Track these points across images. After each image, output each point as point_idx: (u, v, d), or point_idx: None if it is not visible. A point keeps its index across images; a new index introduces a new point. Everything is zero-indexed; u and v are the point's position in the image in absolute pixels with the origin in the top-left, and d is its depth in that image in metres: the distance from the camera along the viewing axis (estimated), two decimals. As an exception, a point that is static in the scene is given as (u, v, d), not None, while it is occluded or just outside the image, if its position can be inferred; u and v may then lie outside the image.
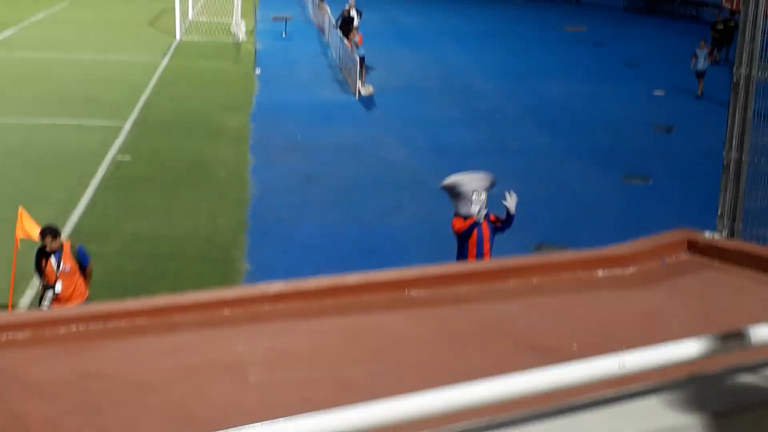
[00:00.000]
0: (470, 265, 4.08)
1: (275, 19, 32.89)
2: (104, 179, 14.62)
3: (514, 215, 8.74)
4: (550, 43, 33.11)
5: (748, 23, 4.54)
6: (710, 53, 23.28)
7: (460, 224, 8.58)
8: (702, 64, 23.42)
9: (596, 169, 17.00)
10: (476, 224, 8.50)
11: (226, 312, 3.58)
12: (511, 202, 8.64)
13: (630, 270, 4.18)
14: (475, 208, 8.38)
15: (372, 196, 14.88)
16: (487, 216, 8.59)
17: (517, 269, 4.04)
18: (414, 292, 3.85)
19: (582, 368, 1.83)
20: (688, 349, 1.96)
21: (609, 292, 4.01)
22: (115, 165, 15.42)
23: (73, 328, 3.23)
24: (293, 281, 3.86)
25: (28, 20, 31.72)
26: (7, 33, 28.83)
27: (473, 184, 8.35)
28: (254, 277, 11.24)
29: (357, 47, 23.76)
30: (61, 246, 8.99)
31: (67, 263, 8.97)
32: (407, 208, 14.34)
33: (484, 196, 8.39)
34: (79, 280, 9.09)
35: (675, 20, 40.40)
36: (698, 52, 23.50)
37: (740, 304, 3.87)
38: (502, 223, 8.68)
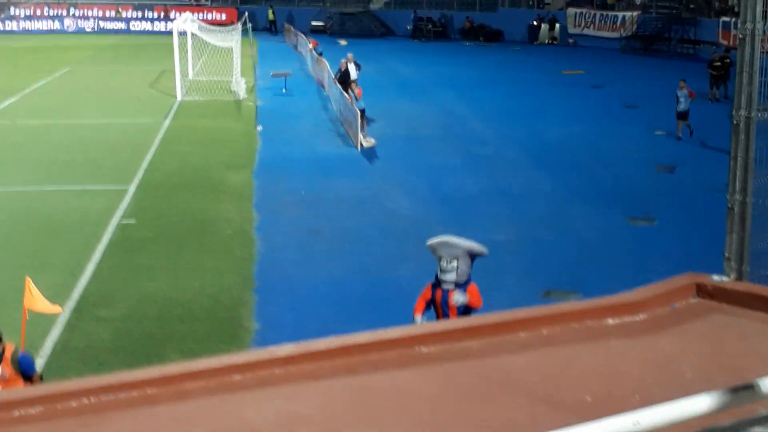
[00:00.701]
0: (479, 318, 4.08)
1: (275, 75, 33.20)
2: (110, 243, 14.65)
3: (463, 306, 8.28)
4: (549, 87, 33.34)
5: (745, 65, 4.57)
6: (690, 94, 23.19)
7: (428, 286, 8.52)
8: (683, 104, 23.33)
9: (600, 211, 17.01)
10: (436, 287, 8.21)
11: (236, 377, 3.57)
12: (459, 297, 8.26)
13: (640, 317, 4.17)
14: (441, 273, 8.23)
15: (377, 246, 14.90)
16: (463, 286, 8.23)
17: (526, 321, 4.03)
18: (424, 349, 3.85)
19: (597, 428, 1.83)
20: (701, 404, 1.95)
21: (619, 340, 4.00)
22: (121, 228, 15.46)
23: (85, 400, 3.23)
24: (302, 343, 3.86)
25: (29, 88, 32.02)
26: (9, 101, 29.10)
27: (441, 250, 8.24)
28: (263, 335, 11.22)
29: (357, 100, 23.94)
30: (3, 350, 7.92)
31: (6, 369, 7.84)
32: (412, 258, 14.33)
33: (455, 263, 8.14)
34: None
35: (672, 59, 40.68)
36: (678, 92, 23.43)
37: (751, 347, 3.85)
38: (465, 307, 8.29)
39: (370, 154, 22.29)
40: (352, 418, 3.16)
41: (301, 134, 24.63)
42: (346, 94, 25.18)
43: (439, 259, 8.14)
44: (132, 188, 18.23)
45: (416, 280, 13.26)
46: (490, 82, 34.66)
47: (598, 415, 1.96)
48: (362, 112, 23.34)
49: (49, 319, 11.06)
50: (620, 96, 30.47)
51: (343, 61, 27.89)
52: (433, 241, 8.27)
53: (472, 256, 8.14)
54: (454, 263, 8.04)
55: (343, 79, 26.60)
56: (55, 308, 9.30)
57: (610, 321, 4.09)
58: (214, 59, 32.84)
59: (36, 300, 9.06)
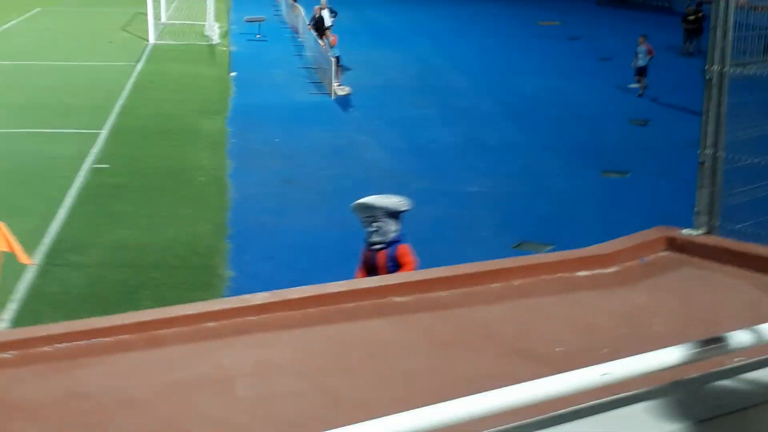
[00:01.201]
0: (452, 269, 4.12)
1: (249, 20, 32.83)
2: (82, 188, 14.55)
3: (392, 264, 7.82)
4: (525, 39, 33.22)
5: (719, 20, 4.58)
6: (649, 51, 23.24)
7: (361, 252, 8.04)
8: (642, 60, 23.39)
9: (574, 164, 17.08)
10: (366, 251, 7.86)
11: (211, 324, 3.60)
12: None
13: (611, 269, 4.23)
14: (366, 236, 7.92)
15: (352, 197, 14.81)
16: (392, 245, 7.78)
17: (499, 272, 4.08)
18: (397, 299, 3.88)
19: (565, 379, 1.87)
20: (669, 356, 2.00)
21: (591, 292, 4.06)
22: (93, 173, 15.36)
23: (59, 346, 3.24)
24: (276, 291, 3.88)
25: (-1, 29, 31.53)
26: (-21, 42, 28.64)
27: (359, 212, 7.81)
28: (237, 282, 11.24)
29: (331, 47, 23.76)
30: None
31: None
32: (387, 209, 14.36)
33: (377, 225, 7.64)
34: None
35: (647, 12, 40.62)
36: (638, 48, 23.48)
37: (720, 301, 3.92)
38: (395, 262, 7.84)
39: (344, 102, 22.19)
40: (327, 367, 3.20)
41: (275, 81, 24.45)
42: (320, 42, 24.98)
43: (361, 222, 7.87)
44: (104, 132, 18.07)
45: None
46: (466, 33, 34.48)
47: (569, 367, 1.99)
48: (337, 59, 23.18)
49: (22, 265, 11.01)
50: (595, 49, 30.43)
51: (316, 7, 27.61)
52: (352, 204, 7.99)
53: (394, 213, 7.73)
54: (375, 225, 7.69)
55: (318, 26, 26.37)
56: (26, 259, 9.23)
57: (582, 273, 4.15)
58: (187, 3, 32.43)
59: (12, 244, 9.01)
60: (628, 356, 2.01)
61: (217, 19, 32.09)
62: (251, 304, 3.71)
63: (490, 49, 30.84)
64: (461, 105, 22.17)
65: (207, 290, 10.93)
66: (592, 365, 1.97)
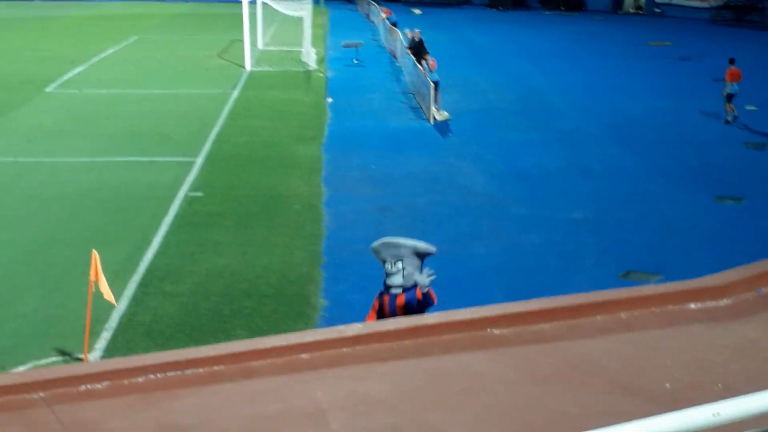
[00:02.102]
0: (554, 300, 4.06)
1: (346, 46, 33.27)
2: (177, 217, 14.90)
3: (425, 294, 7.58)
4: (633, 59, 32.81)
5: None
6: (735, 76, 22.44)
7: (376, 297, 7.81)
8: (730, 87, 22.59)
9: (685, 190, 16.74)
10: (383, 295, 7.60)
11: (304, 356, 3.63)
12: (422, 277, 7.56)
13: (724, 302, 4.11)
14: (386, 278, 7.69)
15: (450, 225, 14.89)
16: (412, 290, 7.54)
17: (604, 304, 4.01)
18: (496, 331, 3.85)
19: (674, 419, 1.82)
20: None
21: (702, 325, 3.95)
22: (188, 202, 15.71)
23: (152, 376, 3.31)
24: (370, 323, 3.90)
25: (97, 57, 32.60)
26: (77, 70, 29.67)
27: (383, 251, 7.52)
28: (331, 312, 11.32)
29: (430, 72, 23.87)
30: None
31: None
32: (486, 237, 14.31)
33: (400, 265, 7.43)
34: None
35: (766, 31, 39.66)
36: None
37: None
38: (418, 302, 7.59)
39: (443, 128, 22.23)
40: (423, 402, 3.19)
41: (372, 107, 24.67)
42: (419, 66, 25.13)
43: (383, 262, 7.52)
44: (200, 160, 18.49)
45: (490, 260, 13.28)
46: (570, 54, 34.24)
47: (678, 405, 1.95)
48: (436, 84, 23.27)
49: (116, 293, 11.32)
50: (709, 69, 29.84)
51: (415, 30, 27.83)
52: (375, 243, 7.80)
53: (419, 255, 7.55)
54: (399, 265, 7.45)
55: (417, 50, 26.55)
56: (111, 298, 9.38)
57: (693, 305, 4.05)
58: (284, 29, 33.02)
59: (100, 278, 9.24)
60: (741, 395, 1.95)
61: (314, 44, 32.61)
62: (345, 335, 3.73)
63: (595, 70, 30.55)
64: (564, 128, 21.99)
65: (300, 320, 11.04)
66: (703, 404, 1.92)
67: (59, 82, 27.58)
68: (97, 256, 9.21)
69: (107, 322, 10.84)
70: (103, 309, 10.67)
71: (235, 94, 26.03)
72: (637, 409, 2.15)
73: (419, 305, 7.52)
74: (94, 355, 9.98)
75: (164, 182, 16.81)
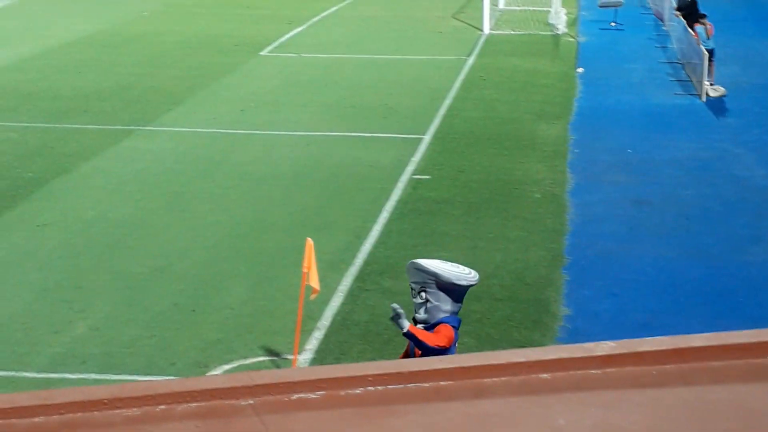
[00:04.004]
0: None
1: (603, 5, 32.77)
2: (400, 202, 15.16)
3: (407, 334, 7.12)
4: None
5: None
6: None
7: None
8: None
9: None
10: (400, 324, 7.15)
11: (544, 376, 3.61)
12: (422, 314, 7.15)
13: None
14: (414, 310, 7.18)
15: (721, 224, 14.44)
16: (431, 327, 7.14)
17: None
18: (780, 361, 3.70)
19: None
20: None
21: None
22: (412, 185, 15.97)
23: (371, 389, 3.40)
24: (625, 341, 3.84)
25: (317, 17, 33.62)
26: (295, 31, 30.72)
27: (408, 276, 7.17)
28: (573, 322, 11.24)
29: (706, 39, 23.16)
30: None
31: None
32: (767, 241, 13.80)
33: (424, 296, 7.03)
34: None
35: None
36: None
37: None
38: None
39: (717, 106, 21.55)
40: (685, 440, 3.12)
41: (631, 79, 24.23)
42: (690, 31, 24.42)
43: (410, 289, 7.17)
44: (427, 138, 18.74)
45: (770, 269, 12.79)
46: None
47: None
48: (711, 53, 22.56)
49: (330, 287, 11.68)
50: None
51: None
52: (408, 263, 7.26)
53: (448, 288, 7.05)
54: (423, 296, 7.02)
55: (689, 11, 25.79)
56: (316, 287, 9.61)
57: None
58: (529, -14, 32.94)
59: (312, 269, 9.52)
60: None
61: (565, 4, 32.33)
62: (594, 354, 3.68)
63: None
64: None
65: (536, 330, 11.03)
66: None
67: (275, 44, 28.66)
68: (312, 246, 9.52)
69: (320, 320, 11.20)
70: (316, 305, 11.02)
71: (470, 61, 26.20)
72: None
73: (432, 350, 6.92)
74: (305, 357, 10.35)
75: (387, 162, 17.15)
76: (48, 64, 25.60)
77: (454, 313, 7.04)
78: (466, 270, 7.04)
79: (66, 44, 28.30)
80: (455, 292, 7.03)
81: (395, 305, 7.11)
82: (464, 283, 7.05)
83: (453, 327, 7.15)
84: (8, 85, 23.09)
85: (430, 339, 7.01)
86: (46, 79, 23.73)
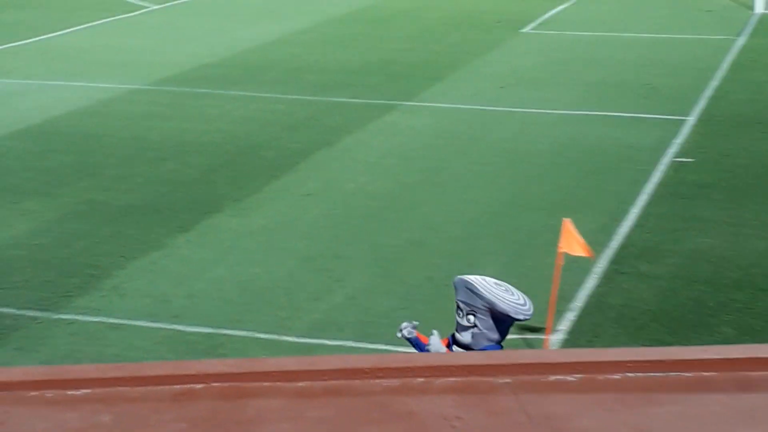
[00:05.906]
0: None
1: None
2: (660, 185, 14.82)
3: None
4: None
5: None
6: None
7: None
8: None
9: None
10: (449, 347, 6.73)
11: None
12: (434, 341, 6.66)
13: None
14: (457, 330, 6.52)
15: None
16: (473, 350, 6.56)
17: None
18: None
19: None
20: None
21: None
22: (674, 168, 15.57)
23: (630, 375, 3.35)
24: None
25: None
26: (558, 9, 30.41)
27: (457, 294, 6.48)
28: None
29: None
30: None
31: None
32: None
33: (472, 320, 6.40)
34: None
35: None
36: None
37: None
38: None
39: None
40: None
41: None
42: None
43: (456, 307, 6.48)
44: (691, 120, 18.23)
45: None
46: None
47: None
48: None
49: (584, 269, 11.57)
50: None
51: None
52: (457, 278, 6.52)
53: (500, 316, 6.43)
54: (471, 320, 6.39)
55: None
56: (590, 252, 9.72)
57: None
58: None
59: (573, 242, 9.52)
60: None
61: None
62: None
63: None
64: None
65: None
66: None
67: (537, 21, 28.48)
68: (571, 224, 9.48)
69: (573, 300, 11.12)
70: (569, 286, 10.95)
71: (741, 41, 25.24)
72: None
73: None
74: (557, 337, 10.30)
75: (647, 143, 16.80)
76: (315, 39, 26.41)
77: (498, 343, 6.55)
78: (521, 300, 6.45)
79: (334, 19, 29.09)
80: (507, 323, 6.53)
81: (406, 326, 6.84)
82: (521, 317, 6.51)
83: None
84: (277, 58, 23.96)
85: None
86: (313, 53, 24.49)
